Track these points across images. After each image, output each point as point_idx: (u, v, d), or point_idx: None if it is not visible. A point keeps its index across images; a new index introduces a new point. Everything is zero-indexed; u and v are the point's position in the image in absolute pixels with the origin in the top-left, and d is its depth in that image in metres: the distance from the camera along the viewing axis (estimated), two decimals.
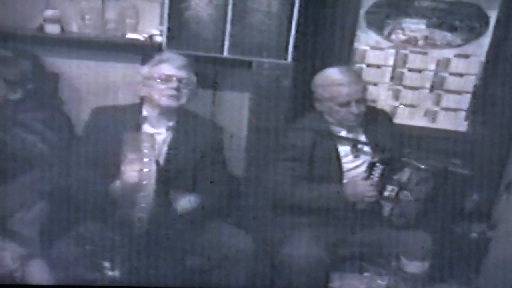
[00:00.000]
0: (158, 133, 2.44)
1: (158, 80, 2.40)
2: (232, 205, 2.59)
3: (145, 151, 2.26)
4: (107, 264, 2.22)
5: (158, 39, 2.70)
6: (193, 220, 2.39)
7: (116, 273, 2.20)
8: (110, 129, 2.39)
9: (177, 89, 2.40)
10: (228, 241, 2.38)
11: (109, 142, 2.34)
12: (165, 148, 2.43)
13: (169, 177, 2.37)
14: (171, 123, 2.46)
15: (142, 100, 2.47)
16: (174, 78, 2.40)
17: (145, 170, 2.20)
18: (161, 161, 2.40)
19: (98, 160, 2.34)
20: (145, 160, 2.24)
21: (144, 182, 2.19)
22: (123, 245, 2.26)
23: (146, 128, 2.45)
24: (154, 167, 2.23)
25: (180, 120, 2.47)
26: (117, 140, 2.29)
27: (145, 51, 2.65)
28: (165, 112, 2.44)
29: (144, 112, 2.46)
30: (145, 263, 2.26)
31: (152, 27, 2.75)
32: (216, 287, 2.36)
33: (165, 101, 2.40)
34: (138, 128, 2.44)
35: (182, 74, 2.42)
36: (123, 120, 2.43)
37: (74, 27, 2.74)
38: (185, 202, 2.39)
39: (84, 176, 2.33)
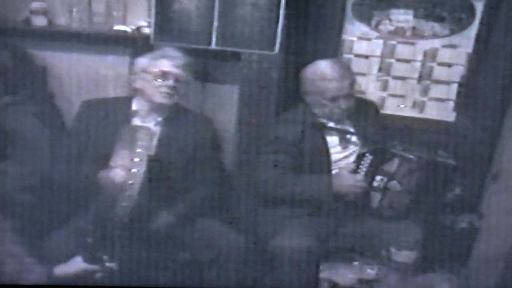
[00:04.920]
0: (151, 126, 2.42)
1: (155, 75, 2.39)
2: (222, 199, 2.59)
3: (139, 142, 2.25)
4: (105, 257, 2.19)
5: (146, 31, 2.69)
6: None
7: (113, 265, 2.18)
8: (100, 122, 2.38)
9: (173, 87, 2.39)
10: (219, 240, 2.38)
11: (99, 134, 2.33)
12: (154, 143, 2.41)
13: (159, 172, 2.36)
14: (160, 118, 2.45)
15: (134, 93, 2.45)
16: (171, 76, 2.39)
17: (133, 170, 2.19)
18: (152, 154, 2.38)
19: (89, 153, 2.33)
20: (138, 150, 2.23)
21: (130, 182, 2.19)
22: (113, 241, 2.26)
23: (136, 122, 2.43)
24: (144, 162, 2.22)
25: (170, 115, 2.46)
26: (108, 133, 2.29)
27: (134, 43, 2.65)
28: (156, 107, 2.42)
29: (134, 106, 2.45)
30: (136, 262, 2.25)
31: (140, 19, 2.74)
32: (207, 285, 2.36)
33: (158, 98, 2.39)
34: (128, 121, 2.42)
35: (180, 72, 2.41)
36: (113, 113, 2.41)
37: (61, 20, 2.72)
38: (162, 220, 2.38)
39: (75, 169, 2.32)
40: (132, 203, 2.20)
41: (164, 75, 2.39)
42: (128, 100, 2.47)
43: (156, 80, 2.39)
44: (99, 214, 2.23)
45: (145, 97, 2.42)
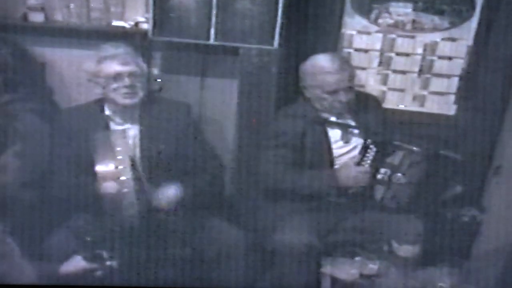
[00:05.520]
0: (127, 128, 2.38)
1: (108, 79, 2.31)
2: (222, 195, 2.58)
3: (118, 148, 2.22)
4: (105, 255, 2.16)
5: (144, 26, 2.67)
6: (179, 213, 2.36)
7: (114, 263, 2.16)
8: (80, 130, 2.33)
9: (131, 86, 2.31)
10: (220, 238, 2.37)
11: (82, 142, 2.29)
12: (137, 142, 2.37)
13: (151, 169, 2.34)
14: (136, 115, 2.39)
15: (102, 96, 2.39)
16: (124, 75, 2.31)
17: (122, 178, 2.18)
18: (137, 154, 2.35)
19: (80, 160, 2.29)
20: (119, 157, 2.21)
21: (125, 190, 2.17)
22: (112, 239, 2.24)
23: (113, 126, 2.38)
24: (128, 165, 2.20)
25: (146, 108, 2.40)
26: (89, 140, 2.27)
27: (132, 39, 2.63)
28: (127, 108, 2.36)
29: (107, 111, 2.39)
30: (136, 260, 2.24)
31: (138, 15, 2.73)
32: (207, 283, 2.35)
33: (121, 100, 2.32)
34: (106, 126, 2.37)
35: (131, 68, 2.32)
36: (90, 119, 2.37)
37: (58, 16, 2.71)
38: (169, 193, 2.35)
39: (73, 173, 2.30)
40: (135, 210, 2.19)
41: (116, 76, 2.30)
42: (101, 104, 2.41)
43: (111, 83, 2.31)
44: (104, 224, 2.22)
45: (110, 101, 2.36)
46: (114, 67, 2.31)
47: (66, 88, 2.70)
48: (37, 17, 2.64)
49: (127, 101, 2.33)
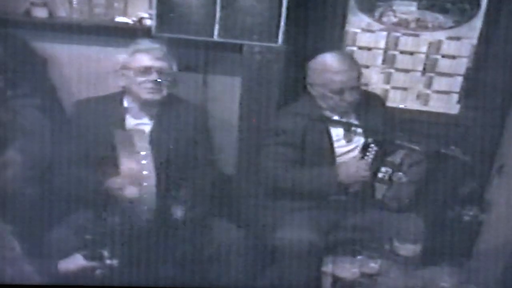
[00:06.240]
0: (143, 123, 2.39)
1: (137, 72, 2.33)
2: (224, 194, 2.58)
3: (142, 153, 2.22)
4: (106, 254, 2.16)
5: (148, 22, 2.67)
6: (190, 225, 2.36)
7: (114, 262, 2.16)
8: (95, 122, 2.33)
9: (158, 82, 2.33)
10: (221, 237, 2.37)
11: (96, 135, 2.30)
12: (148, 139, 2.36)
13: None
14: (154, 112, 2.40)
15: (123, 89, 2.41)
16: (153, 70, 2.33)
17: (144, 184, 2.18)
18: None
19: (88, 154, 2.29)
20: (143, 162, 2.21)
21: (145, 196, 2.18)
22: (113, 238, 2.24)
23: (129, 119, 2.39)
24: (153, 174, 2.20)
25: (163, 107, 2.41)
26: (104, 133, 2.27)
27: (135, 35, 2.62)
28: (147, 103, 2.38)
29: (125, 103, 2.40)
30: (136, 260, 2.24)
31: (141, 10, 2.72)
32: (209, 282, 2.35)
33: (145, 95, 2.34)
34: (122, 119, 2.38)
35: (161, 64, 2.35)
36: (106, 112, 2.37)
37: (61, 11, 2.70)
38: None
39: (75, 171, 2.29)
40: (152, 215, 2.20)
41: (145, 70, 2.33)
42: (119, 97, 2.42)
43: (138, 76, 2.33)
44: (115, 224, 2.23)
45: (132, 94, 2.38)
46: (146, 60, 2.34)
47: (68, 84, 2.70)
48: (41, 13, 2.63)
49: (150, 96, 2.35)
